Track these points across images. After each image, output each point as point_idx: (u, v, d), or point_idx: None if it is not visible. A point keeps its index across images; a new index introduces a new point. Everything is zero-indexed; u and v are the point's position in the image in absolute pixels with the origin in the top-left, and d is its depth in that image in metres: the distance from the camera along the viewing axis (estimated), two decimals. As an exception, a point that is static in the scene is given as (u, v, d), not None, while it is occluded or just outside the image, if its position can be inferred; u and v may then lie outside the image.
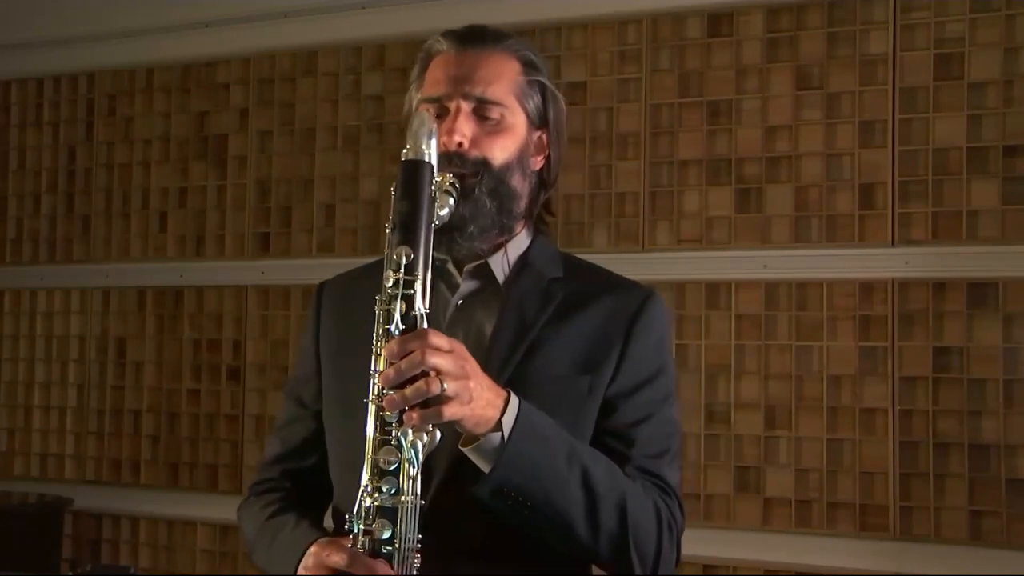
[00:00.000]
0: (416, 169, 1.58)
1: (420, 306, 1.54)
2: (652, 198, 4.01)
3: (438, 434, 1.52)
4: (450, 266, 1.81)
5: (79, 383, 4.93)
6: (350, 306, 1.86)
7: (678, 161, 3.98)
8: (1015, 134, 3.60)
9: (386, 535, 1.52)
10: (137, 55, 4.84)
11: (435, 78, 1.80)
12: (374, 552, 1.53)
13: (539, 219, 1.91)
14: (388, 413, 1.51)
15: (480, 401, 1.54)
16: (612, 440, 1.74)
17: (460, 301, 1.81)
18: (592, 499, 1.63)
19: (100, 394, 4.87)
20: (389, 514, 1.52)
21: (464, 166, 1.73)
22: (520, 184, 1.81)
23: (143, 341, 4.80)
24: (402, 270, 1.53)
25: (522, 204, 1.83)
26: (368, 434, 1.54)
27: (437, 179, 1.61)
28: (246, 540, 1.92)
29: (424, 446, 1.51)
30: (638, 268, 3.84)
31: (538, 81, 1.84)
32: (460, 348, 1.54)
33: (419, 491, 1.53)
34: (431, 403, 1.49)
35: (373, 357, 1.54)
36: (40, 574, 4.38)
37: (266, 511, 1.86)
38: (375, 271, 1.63)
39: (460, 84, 1.77)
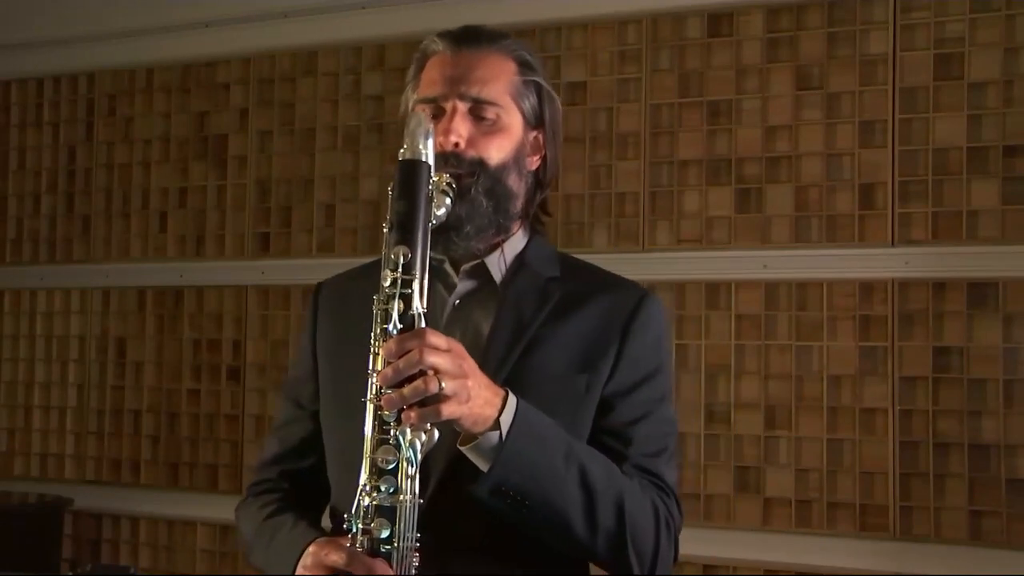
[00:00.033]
0: (413, 169, 1.58)
1: (418, 305, 1.54)
2: (652, 198, 4.01)
3: (436, 433, 1.52)
4: (447, 266, 1.82)
5: (79, 383, 4.93)
6: (347, 306, 1.86)
7: (678, 161, 3.98)
8: (1015, 134, 3.60)
9: (384, 534, 1.52)
10: (137, 55, 4.84)
11: (431, 78, 1.80)
12: (373, 551, 1.54)
13: (535, 219, 1.91)
14: (386, 412, 1.51)
15: (478, 400, 1.54)
16: (609, 439, 1.74)
17: (457, 301, 1.81)
18: (590, 498, 1.63)
19: (100, 394, 4.87)
20: (387, 513, 1.52)
21: (460, 166, 1.73)
22: (516, 184, 1.81)
23: (143, 341, 4.80)
24: (400, 269, 1.53)
25: (518, 204, 1.83)
26: (366, 433, 1.54)
27: (434, 179, 1.61)
28: (244, 540, 1.92)
29: (422, 445, 1.51)
30: (638, 268, 3.85)
31: (534, 81, 1.84)
32: (458, 347, 1.55)
33: (417, 490, 1.53)
34: (429, 402, 1.49)
35: (371, 356, 1.54)
36: (40, 574, 4.38)
37: (264, 511, 1.86)
38: (372, 271, 1.63)
39: (456, 84, 1.77)
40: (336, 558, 1.58)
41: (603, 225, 4.08)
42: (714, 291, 3.91)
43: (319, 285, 1.98)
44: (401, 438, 1.51)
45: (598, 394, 1.75)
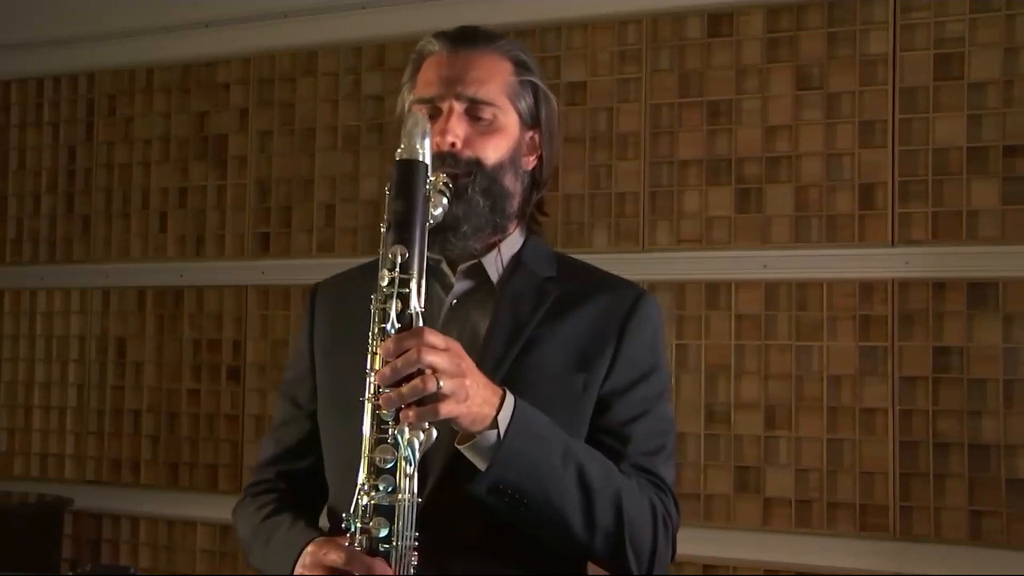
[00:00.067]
0: (411, 169, 1.59)
1: (416, 305, 1.54)
2: (652, 198, 4.01)
3: (434, 432, 1.52)
4: (444, 266, 1.82)
5: (79, 383, 4.93)
6: (345, 306, 1.86)
7: (678, 161, 3.98)
8: (1015, 134, 3.60)
9: (383, 533, 1.53)
10: (137, 55, 4.84)
11: (427, 79, 1.81)
12: (371, 550, 1.54)
13: (532, 219, 1.92)
14: (384, 411, 1.51)
15: (476, 399, 1.54)
16: (607, 437, 1.75)
17: (454, 301, 1.81)
18: (588, 496, 1.63)
19: (100, 394, 4.87)
20: (386, 512, 1.52)
21: (457, 166, 1.73)
22: (513, 184, 1.81)
23: (143, 341, 4.80)
24: (397, 269, 1.54)
25: (515, 203, 1.83)
26: (364, 433, 1.54)
27: (431, 179, 1.61)
28: (241, 541, 1.92)
29: (420, 444, 1.51)
30: (638, 268, 3.85)
31: (530, 81, 1.85)
32: (456, 346, 1.55)
33: (416, 489, 1.53)
34: (427, 401, 1.50)
35: (369, 356, 1.55)
36: (40, 574, 4.38)
37: (261, 512, 1.87)
38: (369, 271, 1.63)
39: (452, 85, 1.77)
40: (335, 557, 1.58)
41: (603, 225, 4.07)
42: (714, 291, 3.91)
43: (316, 286, 1.98)
44: (399, 437, 1.51)
45: (595, 393, 1.76)
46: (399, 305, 1.53)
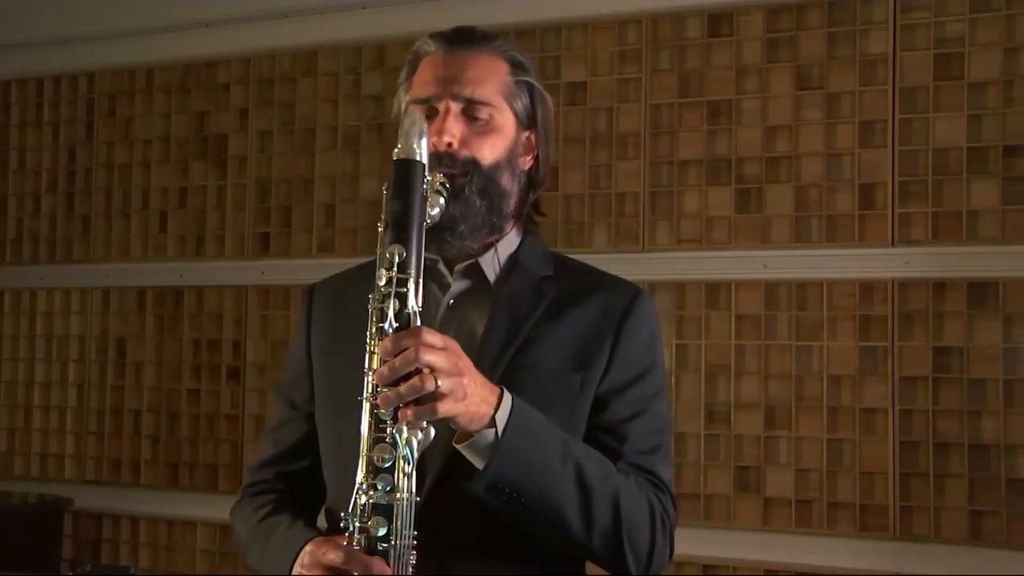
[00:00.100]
0: (408, 168, 1.58)
1: (413, 304, 1.54)
2: (652, 198, 4.01)
3: (432, 431, 1.52)
4: (441, 266, 1.82)
5: (79, 383, 4.93)
6: (342, 306, 1.86)
7: (678, 161, 3.98)
8: (1015, 134, 3.60)
9: (382, 532, 1.53)
10: (137, 55, 4.84)
11: (424, 79, 1.81)
12: (370, 549, 1.54)
13: (528, 219, 1.92)
14: (383, 411, 1.51)
15: (474, 398, 1.54)
16: (604, 436, 1.75)
17: (451, 301, 1.81)
18: (586, 495, 1.63)
19: (100, 394, 4.88)
20: (384, 511, 1.52)
21: (454, 166, 1.73)
22: (509, 183, 1.81)
23: (143, 341, 4.80)
24: (395, 268, 1.54)
25: (512, 203, 1.83)
26: (363, 432, 1.54)
27: (428, 179, 1.61)
28: (239, 542, 1.92)
29: (419, 443, 1.51)
30: (638, 268, 3.85)
31: (526, 81, 1.85)
32: (454, 345, 1.55)
33: (414, 488, 1.53)
34: (425, 400, 1.49)
35: (367, 355, 1.55)
36: (40, 574, 4.38)
37: (259, 513, 1.87)
38: (367, 272, 1.63)
39: (449, 85, 1.77)
40: (333, 557, 1.58)
41: (603, 225, 4.08)
42: (714, 291, 3.91)
43: (312, 287, 1.98)
44: (397, 436, 1.51)
45: (592, 392, 1.76)
46: (397, 304, 1.53)
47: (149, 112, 4.85)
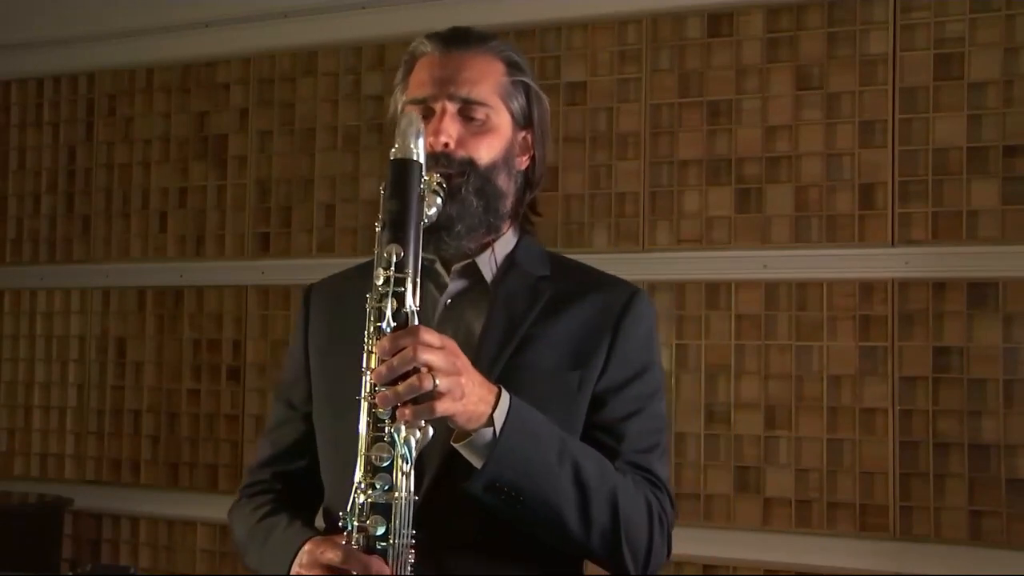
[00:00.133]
0: (405, 168, 1.59)
1: (411, 303, 1.54)
2: (652, 198, 4.01)
3: (430, 430, 1.52)
4: (438, 266, 1.82)
5: (79, 383, 4.93)
6: (339, 306, 1.86)
7: (678, 161, 3.98)
8: (1015, 134, 3.60)
9: (380, 531, 1.53)
10: (137, 55, 4.84)
11: (420, 80, 1.81)
12: (368, 549, 1.54)
13: (525, 219, 1.92)
14: (381, 410, 1.51)
15: (472, 397, 1.55)
16: (602, 435, 1.75)
17: (449, 300, 1.81)
18: (584, 494, 1.63)
19: (100, 394, 4.88)
20: (383, 510, 1.53)
21: (450, 166, 1.74)
22: (506, 184, 1.82)
23: (143, 341, 4.80)
24: (392, 268, 1.54)
25: (508, 203, 1.84)
26: (361, 431, 1.54)
27: (425, 179, 1.61)
28: (237, 542, 1.92)
29: (417, 442, 1.51)
30: (638, 268, 3.85)
31: (522, 81, 1.85)
32: (451, 344, 1.55)
33: (412, 487, 1.53)
34: (423, 399, 1.50)
35: (365, 354, 1.55)
36: (40, 574, 4.38)
37: (257, 513, 1.87)
38: (364, 272, 1.64)
39: (445, 85, 1.78)
40: (332, 556, 1.59)
41: (603, 225, 4.07)
42: (714, 291, 3.91)
43: (310, 287, 1.99)
44: (396, 435, 1.51)
45: (590, 391, 1.76)
46: (394, 304, 1.53)
47: (149, 112, 4.85)
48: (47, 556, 4.58)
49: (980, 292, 3.61)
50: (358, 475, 1.53)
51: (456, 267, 1.82)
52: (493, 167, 1.78)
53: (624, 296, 1.82)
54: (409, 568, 1.55)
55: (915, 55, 3.72)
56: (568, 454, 1.64)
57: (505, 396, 1.60)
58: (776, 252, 3.84)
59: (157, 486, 4.72)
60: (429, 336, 1.52)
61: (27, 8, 4.99)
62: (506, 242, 1.86)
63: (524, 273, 1.83)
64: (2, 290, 5.13)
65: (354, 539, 1.54)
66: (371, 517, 1.53)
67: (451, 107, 1.77)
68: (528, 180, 1.88)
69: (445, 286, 1.82)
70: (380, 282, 1.54)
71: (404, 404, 1.49)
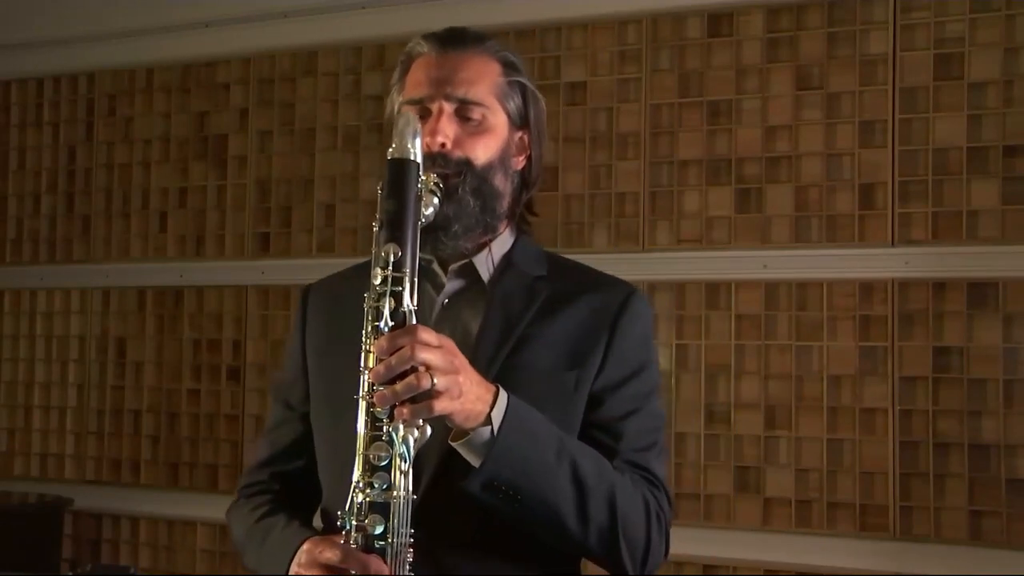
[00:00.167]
0: (402, 168, 1.59)
1: (408, 302, 1.55)
2: (652, 198, 4.01)
3: (428, 429, 1.52)
4: (435, 266, 1.83)
5: (79, 383, 4.93)
6: (338, 306, 1.87)
7: (678, 161, 3.98)
8: (1015, 134, 3.60)
9: (379, 530, 1.53)
10: (137, 55, 4.84)
11: (417, 80, 1.82)
12: (367, 548, 1.54)
13: (521, 219, 1.93)
14: (379, 409, 1.51)
15: (470, 396, 1.55)
16: (600, 434, 1.75)
17: (446, 300, 1.82)
18: (581, 492, 1.63)
19: (100, 394, 4.88)
20: (381, 509, 1.53)
21: (447, 166, 1.74)
22: (503, 183, 1.82)
23: (143, 341, 4.80)
24: (390, 267, 1.54)
25: (505, 203, 1.84)
26: (359, 430, 1.54)
27: (422, 178, 1.62)
28: (236, 543, 1.92)
29: (415, 441, 1.52)
30: (638, 268, 3.85)
31: (518, 82, 1.85)
32: (449, 343, 1.55)
33: (411, 486, 1.53)
34: (421, 398, 1.50)
35: (363, 354, 1.55)
36: (40, 574, 4.38)
37: (256, 513, 1.87)
38: (361, 272, 1.64)
39: (442, 85, 1.78)
40: (331, 555, 1.59)
41: (603, 225, 4.07)
42: (714, 291, 3.91)
43: (307, 288, 1.99)
44: (394, 434, 1.51)
45: (587, 390, 1.76)
46: (392, 303, 1.53)
47: (149, 112, 4.85)
48: (47, 556, 4.58)
49: (980, 292, 3.61)
50: (356, 474, 1.53)
51: (453, 267, 1.82)
52: (490, 167, 1.78)
53: (621, 296, 1.82)
54: (407, 567, 1.55)
55: (915, 55, 3.72)
56: (566, 453, 1.64)
57: (503, 395, 1.60)
58: (776, 252, 3.84)
59: (157, 486, 4.72)
60: (427, 335, 1.52)
61: (27, 8, 4.99)
62: (503, 242, 1.86)
63: (521, 273, 1.83)
64: (2, 290, 5.13)
65: (352, 538, 1.54)
66: (369, 516, 1.53)
67: (448, 107, 1.77)
68: (525, 180, 1.89)
69: (442, 286, 1.82)
70: (378, 281, 1.54)
71: (402, 403, 1.49)
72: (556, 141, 4.06)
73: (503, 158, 1.81)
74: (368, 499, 1.53)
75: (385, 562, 1.53)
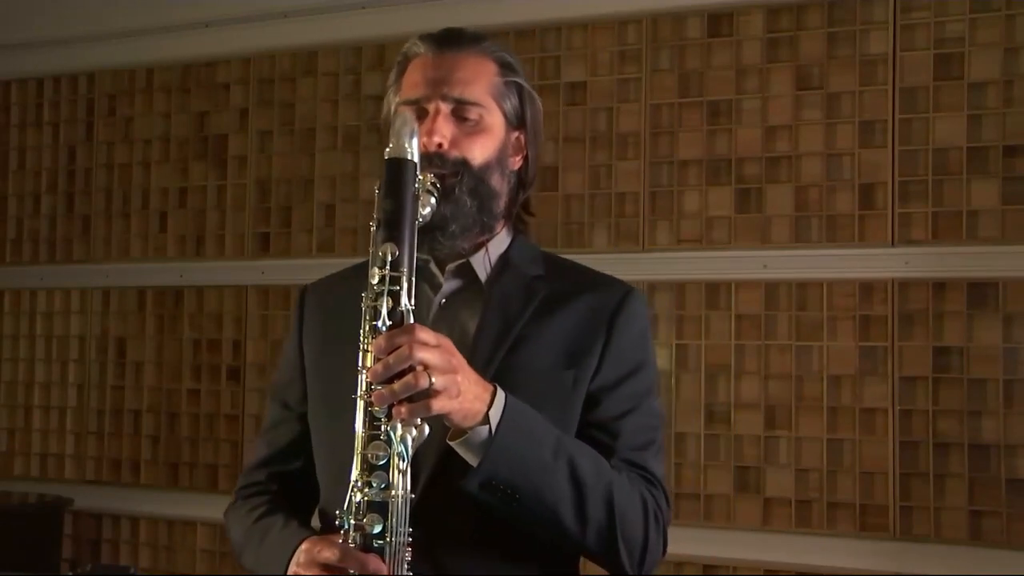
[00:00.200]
0: (399, 167, 1.59)
1: (406, 302, 1.55)
2: (652, 198, 4.01)
3: (426, 428, 1.53)
4: (432, 266, 1.83)
5: (79, 383, 4.93)
6: (335, 307, 1.87)
7: (678, 161, 3.98)
8: (1015, 134, 3.60)
9: (377, 529, 1.53)
10: (137, 55, 4.84)
11: (413, 81, 1.82)
12: (365, 547, 1.54)
13: (518, 219, 1.93)
14: (377, 408, 1.51)
15: (468, 395, 1.55)
16: (597, 433, 1.75)
17: (443, 300, 1.82)
18: (579, 491, 1.63)
19: (100, 394, 4.88)
20: (380, 508, 1.52)
21: (444, 166, 1.74)
22: (499, 183, 1.82)
23: (143, 341, 4.80)
24: (388, 267, 1.54)
25: (502, 203, 1.84)
26: (357, 430, 1.54)
27: (419, 178, 1.62)
28: (233, 543, 1.92)
29: (413, 440, 1.52)
30: (638, 268, 3.85)
31: (515, 82, 1.85)
32: (447, 343, 1.55)
33: (409, 485, 1.53)
34: (419, 397, 1.50)
35: (361, 353, 1.55)
36: (40, 574, 4.38)
37: (254, 514, 1.87)
38: (359, 272, 1.65)
39: (438, 86, 1.78)
40: (329, 555, 1.58)
41: (603, 225, 4.07)
42: (714, 291, 3.91)
43: (305, 288, 1.99)
44: (392, 434, 1.51)
45: (584, 390, 1.76)
46: (390, 302, 1.54)
47: (149, 112, 4.85)
48: (47, 556, 4.58)
49: (980, 292, 3.61)
50: (355, 473, 1.53)
51: (450, 267, 1.82)
52: (487, 167, 1.78)
53: (618, 295, 1.82)
54: (406, 566, 1.55)
55: (915, 55, 3.72)
56: (564, 451, 1.64)
57: (500, 394, 1.60)
58: (776, 252, 3.84)
59: (157, 486, 4.72)
60: (425, 334, 1.52)
61: (27, 8, 5.00)
62: (500, 242, 1.86)
63: (518, 273, 1.83)
64: (2, 290, 5.13)
65: (351, 537, 1.54)
66: (368, 515, 1.53)
67: (444, 107, 1.77)
68: (521, 180, 1.89)
69: (439, 286, 1.82)
70: (375, 281, 1.54)
71: (400, 402, 1.50)
72: (556, 141, 4.07)
73: (500, 158, 1.81)
74: (366, 498, 1.52)
75: (383, 561, 1.53)
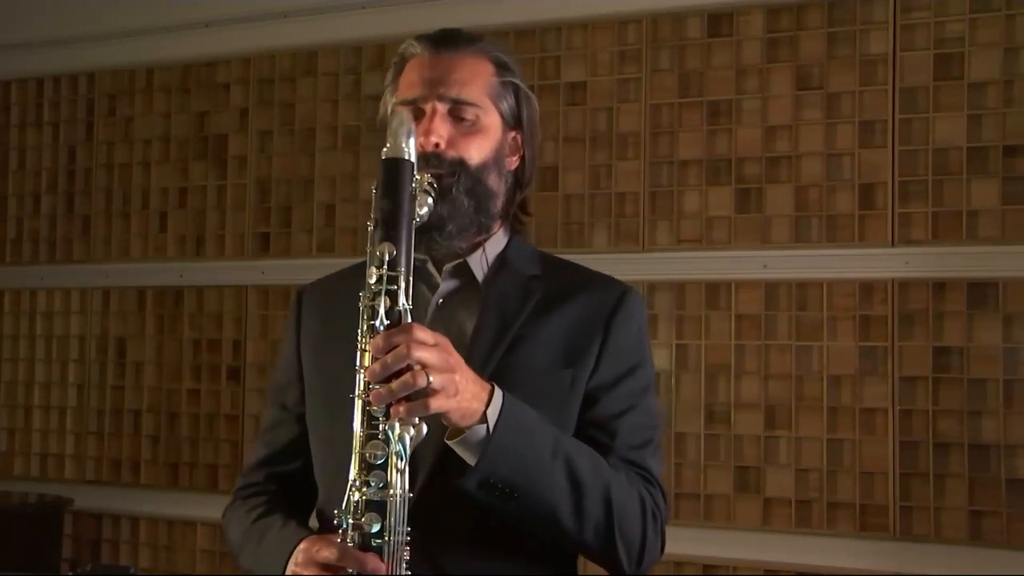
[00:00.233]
0: (397, 167, 1.59)
1: (404, 301, 1.55)
2: (652, 198, 4.01)
3: (424, 427, 1.52)
4: (429, 266, 1.83)
5: (79, 383, 4.93)
6: (333, 307, 1.87)
7: (678, 161, 3.98)
8: (1015, 134, 3.60)
9: (375, 529, 1.53)
10: (137, 55, 4.85)
11: (410, 81, 1.82)
12: (364, 546, 1.54)
13: (515, 219, 1.93)
14: (375, 408, 1.51)
15: (465, 394, 1.55)
16: (595, 431, 1.75)
17: (440, 300, 1.82)
18: (577, 490, 1.63)
19: (100, 394, 4.88)
20: (378, 508, 1.52)
21: (441, 166, 1.74)
22: (496, 183, 1.82)
23: (143, 341, 4.80)
24: (385, 266, 1.54)
25: (499, 203, 1.84)
26: (355, 429, 1.54)
27: (416, 178, 1.62)
28: (232, 543, 1.93)
29: (411, 439, 1.52)
30: (638, 268, 3.85)
31: (511, 82, 1.86)
32: (444, 342, 1.55)
33: (407, 484, 1.53)
34: (417, 396, 1.50)
35: (358, 353, 1.55)
36: (40, 574, 4.38)
37: (252, 514, 1.87)
38: (356, 272, 1.65)
39: (435, 86, 1.78)
40: (327, 554, 1.58)
41: (603, 225, 4.07)
42: (714, 291, 3.91)
43: (302, 289, 1.99)
44: (390, 433, 1.51)
45: (582, 389, 1.76)
46: (387, 302, 1.54)
47: (149, 112, 4.85)
48: (47, 556, 4.58)
49: (980, 292, 3.61)
50: (353, 473, 1.53)
51: (447, 267, 1.82)
52: (483, 167, 1.78)
53: (615, 294, 1.82)
54: (404, 565, 1.54)
55: (915, 55, 3.72)
56: (561, 450, 1.64)
57: (498, 393, 1.60)
58: (776, 252, 3.84)
59: (157, 486, 4.72)
60: (422, 333, 1.52)
61: (27, 8, 5.00)
62: (497, 242, 1.86)
63: (515, 272, 1.83)
64: (2, 290, 5.13)
65: (349, 537, 1.54)
66: (366, 515, 1.53)
67: (441, 108, 1.77)
68: (518, 180, 1.89)
69: (437, 286, 1.82)
70: (373, 280, 1.54)
71: (398, 401, 1.49)
72: (556, 141, 4.07)
73: (497, 158, 1.81)
74: (365, 497, 1.52)
75: (382, 560, 1.53)
